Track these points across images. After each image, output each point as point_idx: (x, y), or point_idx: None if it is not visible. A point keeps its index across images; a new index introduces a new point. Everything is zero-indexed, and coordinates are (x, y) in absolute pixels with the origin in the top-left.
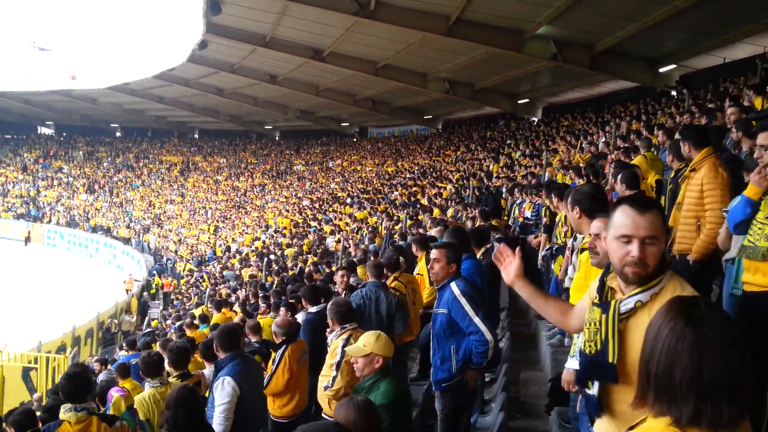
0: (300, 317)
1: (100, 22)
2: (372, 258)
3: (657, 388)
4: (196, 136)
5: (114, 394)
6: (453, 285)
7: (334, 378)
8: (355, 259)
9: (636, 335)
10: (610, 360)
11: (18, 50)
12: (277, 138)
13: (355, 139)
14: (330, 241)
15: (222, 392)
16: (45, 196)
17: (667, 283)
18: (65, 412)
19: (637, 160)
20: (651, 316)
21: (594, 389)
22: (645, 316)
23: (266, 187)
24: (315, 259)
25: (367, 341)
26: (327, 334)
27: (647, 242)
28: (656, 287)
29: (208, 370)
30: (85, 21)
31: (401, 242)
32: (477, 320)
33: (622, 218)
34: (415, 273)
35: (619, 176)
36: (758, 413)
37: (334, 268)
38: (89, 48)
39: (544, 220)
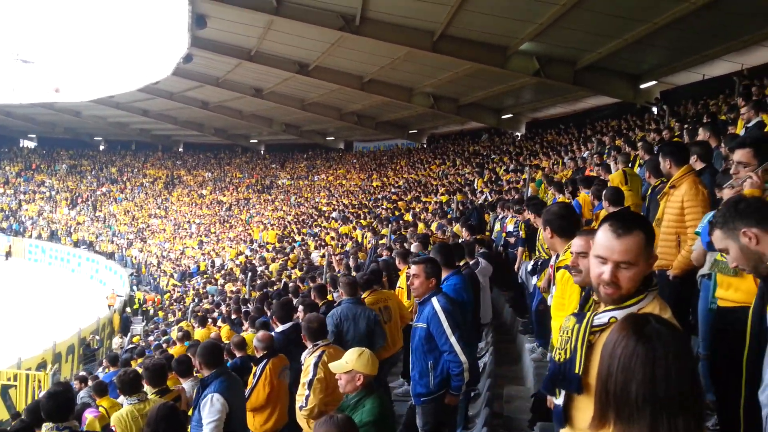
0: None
1: (85, 34)
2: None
3: (617, 407)
4: (181, 149)
5: (88, 415)
6: (434, 300)
7: (307, 397)
8: (338, 275)
9: None
10: (576, 371)
11: (0, 62)
12: (262, 152)
13: (340, 153)
14: (315, 256)
15: (212, 409)
16: (26, 209)
17: (648, 304)
18: None
19: (612, 176)
20: None
21: (560, 399)
22: None
23: (251, 201)
24: (300, 273)
25: (350, 358)
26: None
27: (622, 266)
28: (634, 307)
29: (186, 384)
30: (70, 34)
31: (386, 257)
32: (453, 340)
33: (601, 238)
34: (397, 287)
35: (603, 193)
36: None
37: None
38: (73, 61)
39: (520, 233)
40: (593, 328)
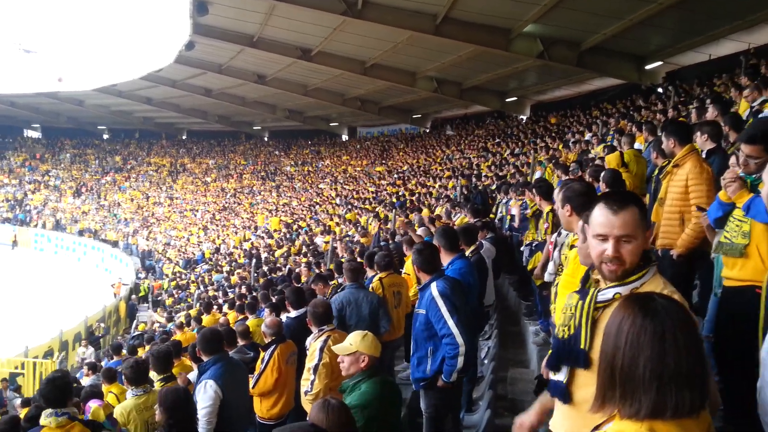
0: (284, 318)
1: (87, 23)
2: (359, 258)
3: (623, 384)
4: (185, 137)
5: (92, 404)
6: (433, 285)
7: (313, 382)
8: (343, 260)
9: None
10: (582, 346)
11: (3, 52)
12: (266, 138)
13: (345, 139)
14: (320, 241)
15: (204, 396)
16: (32, 199)
17: (650, 279)
18: (45, 417)
19: (609, 158)
20: None
21: (561, 375)
22: None
23: (255, 187)
24: (305, 259)
25: (354, 340)
26: None
27: (623, 240)
28: (637, 282)
29: (193, 373)
30: (72, 22)
31: (388, 242)
32: (451, 323)
33: (598, 217)
34: (403, 272)
35: (602, 175)
36: (742, 405)
37: (323, 269)
38: (76, 50)
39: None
40: (597, 304)
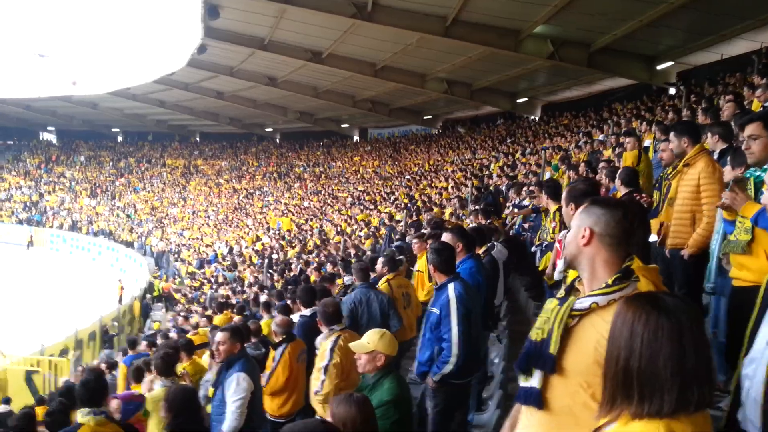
0: (295, 318)
1: (100, 27)
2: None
3: (641, 384)
4: (197, 139)
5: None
6: (450, 286)
7: (323, 382)
8: (352, 260)
9: (586, 335)
10: (551, 350)
11: (19, 56)
12: (277, 140)
13: (356, 140)
14: (332, 242)
15: (238, 388)
16: (47, 201)
17: (630, 293)
18: (83, 416)
19: (626, 155)
20: (605, 320)
21: (535, 380)
22: (598, 319)
23: (268, 188)
24: (317, 259)
25: (371, 338)
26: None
27: None
28: (615, 294)
29: (209, 373)
30: (85, 27)
31: (400, 242)
32: (455, 331)
33: None
34: (415, 269)
35: (618, 174)
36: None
37: (335, 269)
38: (90, 54)
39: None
40: (573, 312)
